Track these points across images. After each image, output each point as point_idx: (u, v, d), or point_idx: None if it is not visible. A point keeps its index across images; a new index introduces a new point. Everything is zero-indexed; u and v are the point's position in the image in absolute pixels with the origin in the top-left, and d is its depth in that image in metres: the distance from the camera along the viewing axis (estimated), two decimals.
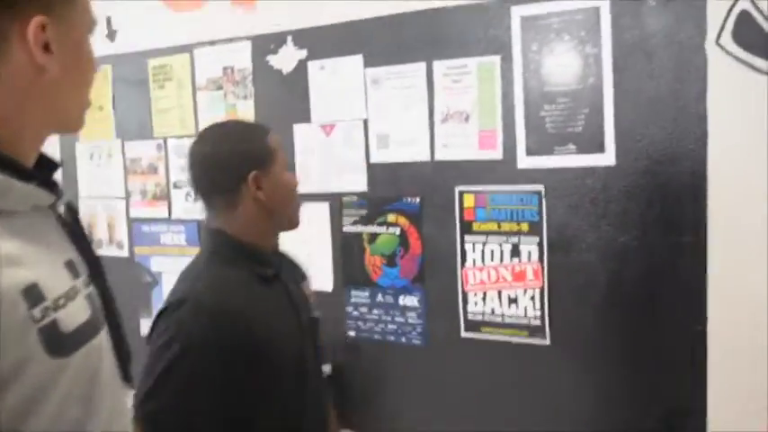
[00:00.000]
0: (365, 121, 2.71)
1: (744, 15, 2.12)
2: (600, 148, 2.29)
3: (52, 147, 3.15)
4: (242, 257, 1.60)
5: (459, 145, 2.53)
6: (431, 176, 2.59)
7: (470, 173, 2.51)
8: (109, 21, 3.37)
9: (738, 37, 2.13)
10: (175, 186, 3.21)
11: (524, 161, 2.42)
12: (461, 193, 2.53)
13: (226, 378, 1.45)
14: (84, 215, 3.45)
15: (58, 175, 1.12)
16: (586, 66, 2.30)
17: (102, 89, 3.38)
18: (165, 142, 3.22)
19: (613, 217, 2.29)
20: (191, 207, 3.17)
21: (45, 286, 0.88)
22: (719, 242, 2.16)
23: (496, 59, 2.44)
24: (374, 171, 2.70)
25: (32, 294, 0.85)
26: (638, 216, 2.26)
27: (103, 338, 0.99)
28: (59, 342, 0.88)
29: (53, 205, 0.99)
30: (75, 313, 0.92)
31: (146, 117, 3.25)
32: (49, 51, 0.92)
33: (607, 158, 2.29)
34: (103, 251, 3.40)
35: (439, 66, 2.55)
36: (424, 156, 2.59)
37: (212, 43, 3.05)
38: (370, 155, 2.71)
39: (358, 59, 2.70)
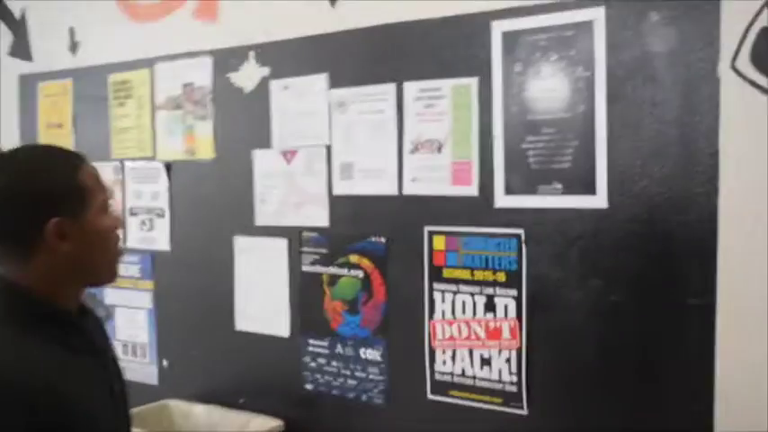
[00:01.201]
0: (328, 148, 2.24)
1: (765, 34, 1.63)
2: (590, 188, 1.82)
3: None
4: (43, 322, 1.22)
5: (429, 179, 2.07)
6: (398, 213, 2.13)
7: (442, 211, 2.05)
8: (72, 32, 2.94)
9: (758, 60, 1.65)
10: (131, 213, 2.75)
11: (502, 200, 1.95)
12: (431, 234, 2.06)
13: None
14: None
15: None
16: (576, 91, 1.83)
17: (62, 105, 2.95)
18: (122, 164, 2.76)
19: (605, 271, 1.82)
20: (147, 236, 2.71)
21: None
22: (731, 307, 1.68)
23: (473, 82, 1.98)
24: (337, 204, 2.25)
25: None
26: (634, 271, 1.79)
27: None
28: None
29: None
30: None
31: (105, 137, 2.81)
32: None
33: (598, 201, 1.81)
34: None
35: (410, 88, 2.09)
36: (391, 189, 2.13)
37: (173, 58, 2.59)
38: (333, 186, 2.22)
39: (323, 79, 2.24)
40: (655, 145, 1.76)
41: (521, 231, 1.96)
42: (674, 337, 1.75)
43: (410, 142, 2.12)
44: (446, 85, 2.06)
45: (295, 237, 2.37)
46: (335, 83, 2.25)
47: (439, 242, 2.09)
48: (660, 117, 1.75)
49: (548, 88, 1.90)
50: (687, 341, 1.74)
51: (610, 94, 1.82)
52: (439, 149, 2.07)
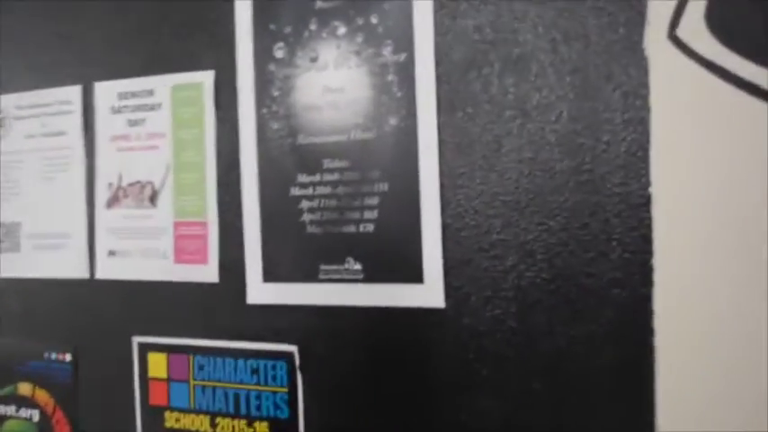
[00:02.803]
0: None
1: None
2: (412, 270, 0.89)
3: None
4: None
5: (138, 252, 1.11)
6: (91, 311, 1.14)
7: (160, 309, 1.09)
8: None
9: (720, 21, 0.71)
10: None
11: (261, 291, 1.01)
12: (144, 350, 1.06)
13: None
14: None
15: None
16: (382, 90, 0.88)
17: None
18: None
19: (442, 424, 0.83)
20: None
21: None
22: None
23: (207, 78, 1.00)
24: None
25: None
26: (496, 426, 0.80)
27: None
28: None
29: None
30: None
31: None
32: None
33: (428, 294, 0.94)
34: None
35: (104, 91, 1.06)
36: (79, 269, 1.13)
37: None
38: None
39: None
40: (530, 190, 0.83)
41: (293, 348, 0.96)
42: None
43: (106, 187, 1.10)
44: (162, 84, 1.06)
45: None
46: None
47: (158, 364, 1.10)
48: (538, 136, 0.83)
49: (334, 87, 0.93)
50: None
51: (444, 95, 0.87)
52: (152, 200, 1.06)
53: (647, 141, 0.84)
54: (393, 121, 0.98)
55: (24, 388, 1.27)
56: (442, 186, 0.94)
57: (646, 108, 0.84)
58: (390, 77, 0.98)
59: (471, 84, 0.92)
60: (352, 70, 1.00)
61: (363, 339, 1.00)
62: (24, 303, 1.27)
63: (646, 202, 0.85)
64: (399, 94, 0.97)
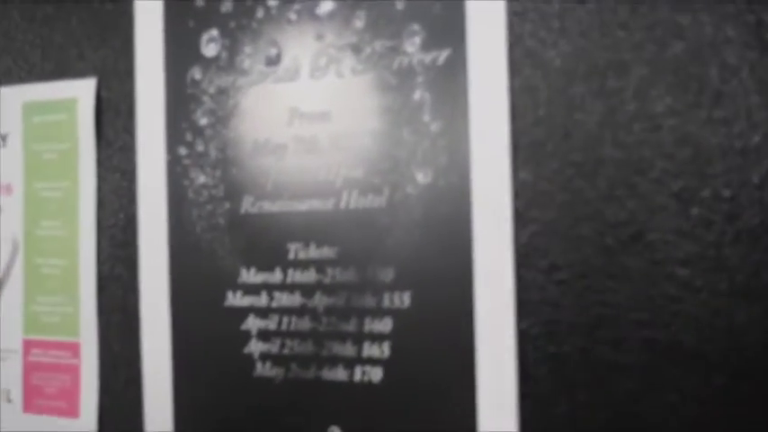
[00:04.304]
0: None
1: None
2: None
3: None
4: None
5: None
6: None
7: None
8: None
9: None
10: None
11: None
12: None
13: None
14: None
15: None
16: (405, 117, 0.41)
17: None
18: None
19: None
20: None
21: None
22: None
23: (84, 91, 0.46)
24: None
25: None
26: None
27: None
28: None
29: None
30: None
31: None
32: None
33: None
34: None
35: None
36: None
37: None
38: None
39: None
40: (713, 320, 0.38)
41: None
42: None
43: None
44: (7, 102, 0.54)
45: None
46: None
47: None
48: (732, 216, 0.34)
49: (310, 111, 0.44)
50: None
51: (525, 129, 0.46)
52: None
53: None
54: (422, 176, 0.48)
55: None
56: (520, 304, 0.44)
57: None
58: (418, 94, 0.48)
59: (579, 109, 0.42)
60: (345, 80, 0.49)
61: None
62: None
63: None
64: (435, 127, 0.47)
